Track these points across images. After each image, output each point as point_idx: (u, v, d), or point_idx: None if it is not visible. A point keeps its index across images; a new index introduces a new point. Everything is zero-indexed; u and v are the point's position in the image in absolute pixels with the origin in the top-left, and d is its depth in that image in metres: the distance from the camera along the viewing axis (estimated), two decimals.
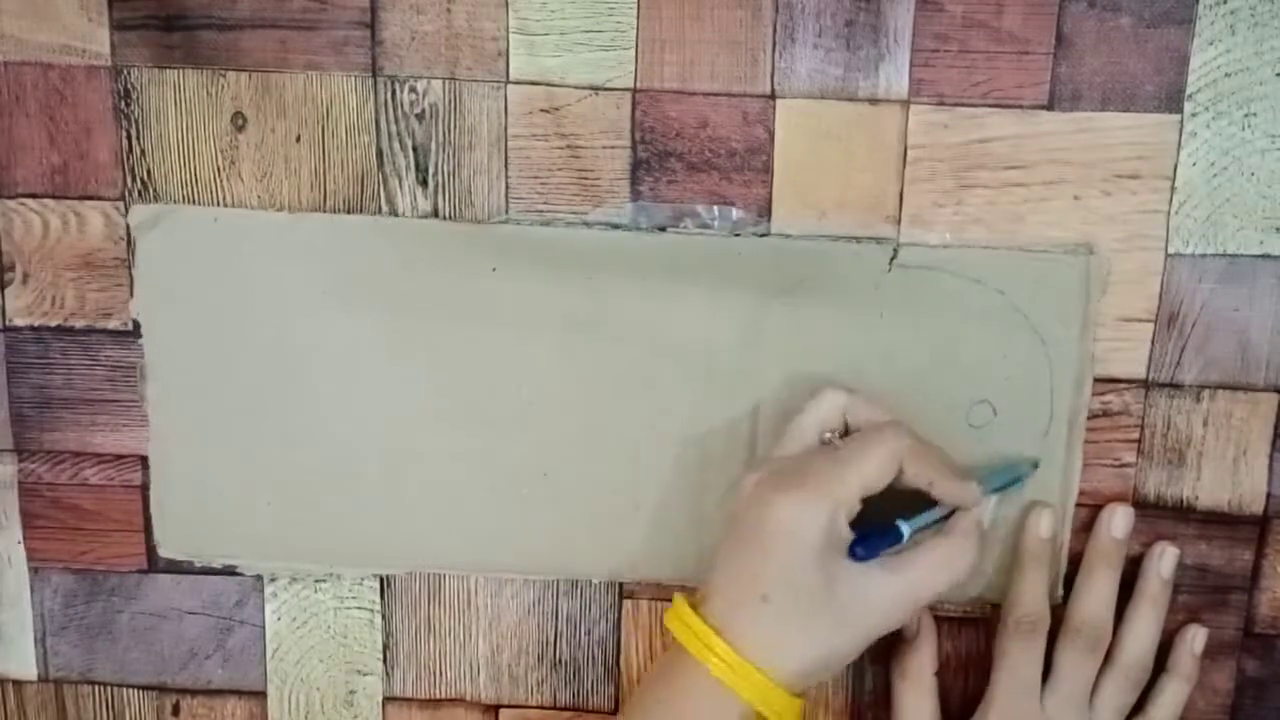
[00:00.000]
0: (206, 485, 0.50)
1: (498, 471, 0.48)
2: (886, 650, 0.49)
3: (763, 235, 0.47)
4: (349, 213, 0.48)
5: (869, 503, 0.42)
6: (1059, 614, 0.46)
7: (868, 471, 0.41)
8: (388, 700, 0.52)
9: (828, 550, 0.40)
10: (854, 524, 0.41)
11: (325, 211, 0.48)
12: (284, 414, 0.49)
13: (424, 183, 0.47)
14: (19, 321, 0.49)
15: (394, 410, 0.48)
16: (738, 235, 0.47)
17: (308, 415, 0.49)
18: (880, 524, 0.42)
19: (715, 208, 0.47)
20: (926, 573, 0.42)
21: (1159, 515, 0.48)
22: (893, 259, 0.46)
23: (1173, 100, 0.45)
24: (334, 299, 0.48)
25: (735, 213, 0.47)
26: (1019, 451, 0.47)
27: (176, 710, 0.53)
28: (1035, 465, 0.47)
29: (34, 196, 0.48)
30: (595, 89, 0.46)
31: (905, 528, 0.42)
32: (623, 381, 0.47)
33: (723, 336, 0.47)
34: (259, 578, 0.51)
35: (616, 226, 0.47)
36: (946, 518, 0.43)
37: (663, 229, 0.47)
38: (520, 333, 0.47)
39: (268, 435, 0.49)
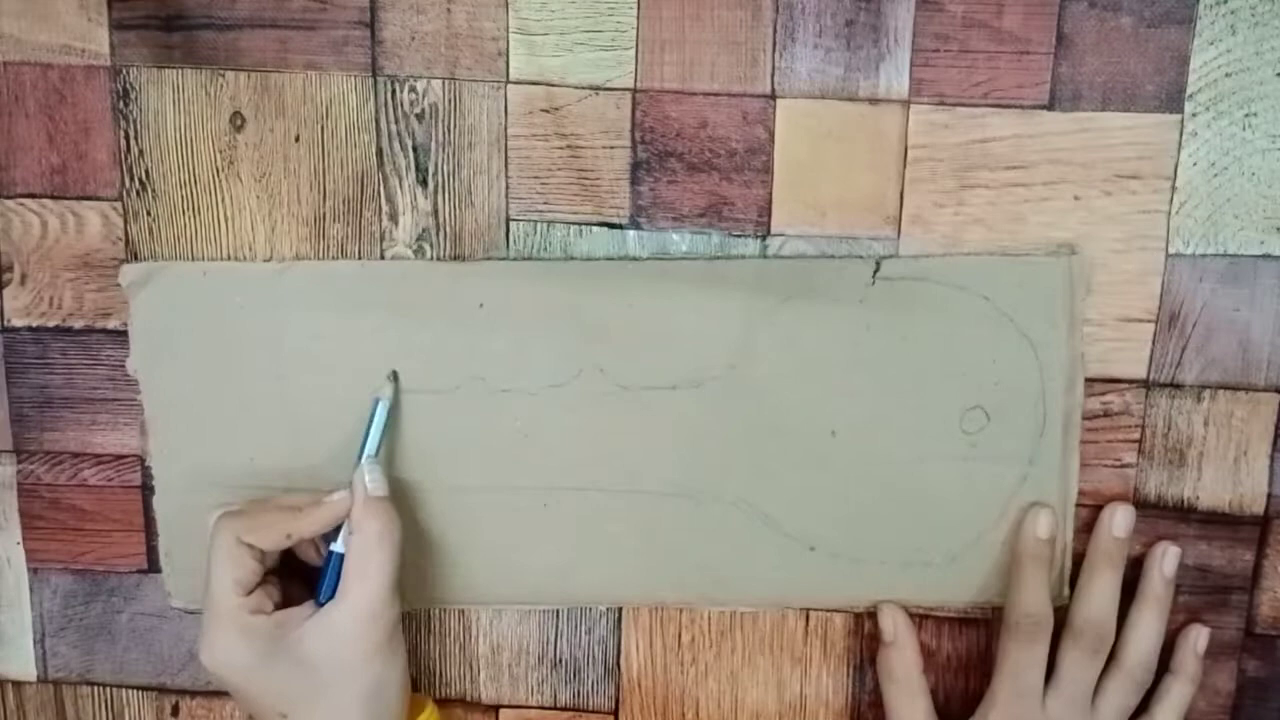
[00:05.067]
0: None
1: (497, 506, 0.48)
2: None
3: (745, 256, 0.47)
4: (348, 214, 0.48)
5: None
6: (1060, 616, 0.46)
7: (224, 582, 0.43)
8: None
9: (269, 647, 0.43)
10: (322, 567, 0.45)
11: (326, 216, 0.48)
12: (286, 460, 0.49)
13: (424, 183, 0.47)
14: (17, 322, 0.49)
15: (392, 450, 0.48)
16: (720, 257, 0.47)
17: (308, 460, 0.48)
18: (326, 560, 0.45)
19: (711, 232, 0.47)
20: (357, 579, 0.44)
21: (1160, 515, 0.48)
22: (876, 272, 0.46)
23: (1173, 100, 0.45)
24: (326, 343, 0.48)
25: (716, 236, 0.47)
26: (1015, 455, 0.47)
27: (176, 711, 0.53)
28: (392, 377, 0.47)
29: (33, 196, 0.48)
30: (595, 89, 0.46)
31: (337, 546, 0.45)
32: (616, 407, 0.47)
33: (713, 359, 0.47)
34: None
35: (616, 226, 0.47)
36: None
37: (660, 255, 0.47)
38: (510, 367, 0.47)
39: (271, 482, 0.49)
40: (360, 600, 0.43)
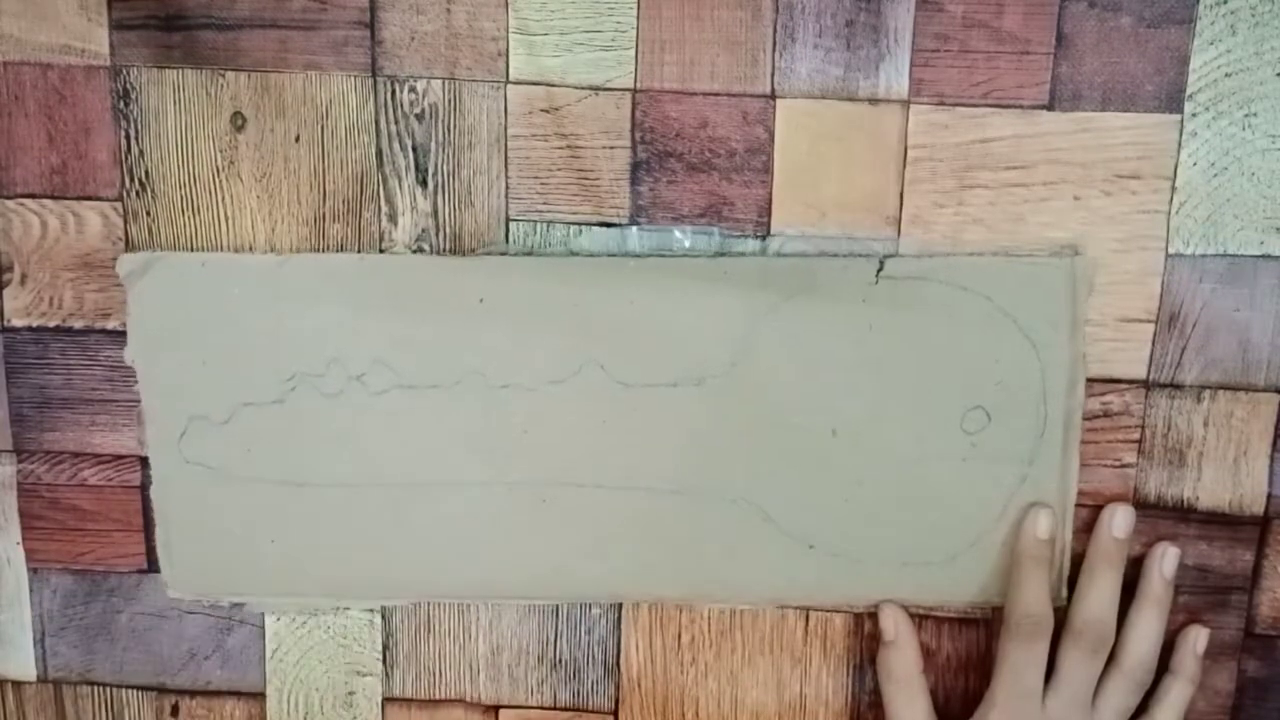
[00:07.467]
0: (210, 526, 0.50)
1: (497, 501, 0.48)
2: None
3: (747, 253, 0.47)
4: (348, 214, 0.48)
5: None
6: (1060, 616, 0.46)
7: None
8: (387, 701, 0.52)
9: None
10: None
11: (326, 216, 0.48)
12: (283, 452, 0.49)
13: (424, 183, 0.47)
14: (17, 322, 0.49)
15: (392, 445, 0.48)
16: (722, 255, 0.47)
17: (307, 452, 0.48)
18: None
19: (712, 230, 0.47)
20: None
21: (1160, 516, 0.48)
22: (879, 271, 0.46)
23: (1173, 100, 0.45)
24: (326, 337, 0.48)
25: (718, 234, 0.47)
26: (1015, 455, 0.47)
27: (175, 711, 0.53)
28: None
29: (32, 197, 0.48)
30: (595, 89, 0.46)
31: None
32: (616, 404, 0.47)
33: (714, 357, 0.47)
34: None
35: (613, 225, 0.47)
36: None
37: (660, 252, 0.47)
38: (511, 363, 0.47)
39: (268, 474, 0.49)
40: None
